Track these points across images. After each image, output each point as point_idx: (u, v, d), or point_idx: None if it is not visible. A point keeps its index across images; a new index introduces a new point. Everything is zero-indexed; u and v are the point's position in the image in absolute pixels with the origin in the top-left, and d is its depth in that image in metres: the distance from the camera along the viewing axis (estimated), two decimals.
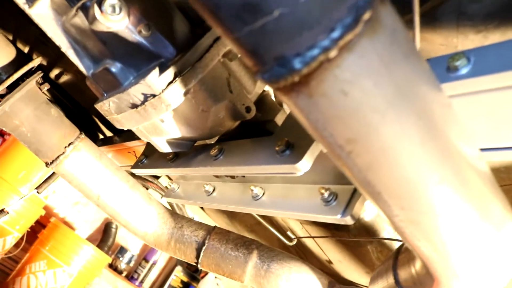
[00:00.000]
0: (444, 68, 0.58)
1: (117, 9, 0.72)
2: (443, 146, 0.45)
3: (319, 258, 1.82)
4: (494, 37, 0.63)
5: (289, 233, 1.65)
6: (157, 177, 1.99)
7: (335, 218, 0.72)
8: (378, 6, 0.36)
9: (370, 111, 0.39)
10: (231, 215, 2.42)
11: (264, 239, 1.82)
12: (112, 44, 0.78)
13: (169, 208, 1.67)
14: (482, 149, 0.61)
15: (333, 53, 0.35)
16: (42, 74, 1.24)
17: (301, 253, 1.87)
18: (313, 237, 1.65)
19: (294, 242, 1.63)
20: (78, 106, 1.81)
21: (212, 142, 0.99)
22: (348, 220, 0.72)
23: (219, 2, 0.35)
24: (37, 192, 1.49)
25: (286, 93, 0.39)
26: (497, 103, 0.56)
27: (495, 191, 0.54)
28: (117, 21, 0.73)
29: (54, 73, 1.69)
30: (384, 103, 0.39)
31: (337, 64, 0.35)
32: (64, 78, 1.71)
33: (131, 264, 3.93)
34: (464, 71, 0.56)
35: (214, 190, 1.08)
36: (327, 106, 0.38)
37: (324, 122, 0.40)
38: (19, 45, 1.51)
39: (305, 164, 0.68)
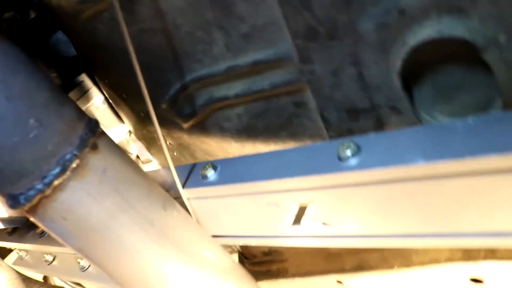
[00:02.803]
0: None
1: None
2: (165, 257, 0.59)
3: None
4: (249, 145, 0.80)
5: None
6: None
7: None
8: (87, 155, 0.50)
9: (88, 230, 0.52)
10: None
11: None
12: None
13: None
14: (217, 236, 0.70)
15: (47, 192, 0.48)
16: None
17: None
18: None
19: None
20: None
21: None
22: None
23: None
24: None
25: (26, 214, 0.52)
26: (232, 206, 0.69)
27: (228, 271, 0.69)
28: None
29: None
30: (100, 224, 0.52)
31: (54, 199, 0.49)
32: None
33: None
34: (210, 178, 0.71)
35: (54, 259, 1.15)
36: (56, 227, 0.52)
37: (60, 236, 0.53)
38: None
39: None
